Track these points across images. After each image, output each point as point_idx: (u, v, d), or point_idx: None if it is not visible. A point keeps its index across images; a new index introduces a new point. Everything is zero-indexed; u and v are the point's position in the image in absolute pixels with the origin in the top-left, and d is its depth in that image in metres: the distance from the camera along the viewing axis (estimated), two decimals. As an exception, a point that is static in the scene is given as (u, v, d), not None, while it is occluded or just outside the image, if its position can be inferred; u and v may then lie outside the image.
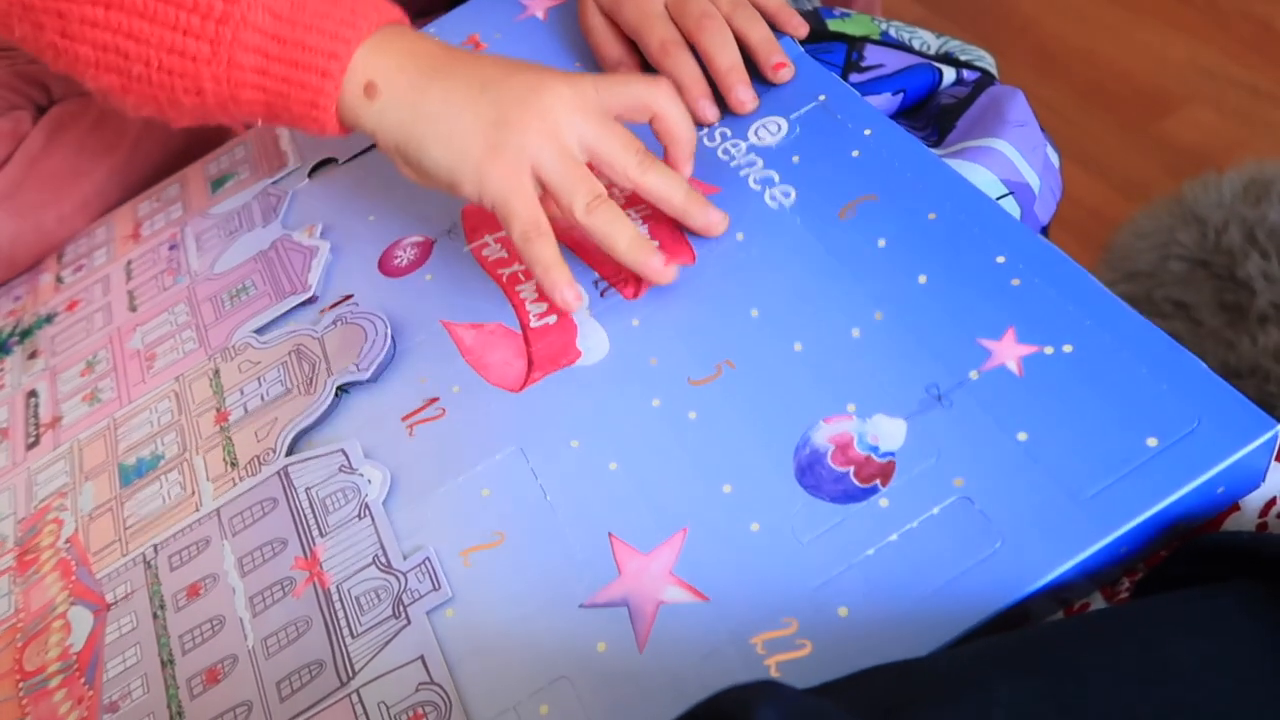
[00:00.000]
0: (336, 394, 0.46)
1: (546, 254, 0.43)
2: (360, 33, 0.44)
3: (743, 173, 0.48)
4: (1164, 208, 1.04)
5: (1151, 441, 0.33)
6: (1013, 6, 1.40)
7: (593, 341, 0.44)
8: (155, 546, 0.45)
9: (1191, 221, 1.00)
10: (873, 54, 0.55)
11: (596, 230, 0.43)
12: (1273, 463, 0.35)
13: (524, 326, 0.45)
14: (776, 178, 0.47)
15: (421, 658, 0.37)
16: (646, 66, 0.52)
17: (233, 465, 0.46)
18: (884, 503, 0.35)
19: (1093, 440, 0.34)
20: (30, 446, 0.52)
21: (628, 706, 0.34)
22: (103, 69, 0.45)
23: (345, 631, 0.39)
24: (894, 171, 0.45)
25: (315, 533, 0.42)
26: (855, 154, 0.46)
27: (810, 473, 0.37)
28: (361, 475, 0.43)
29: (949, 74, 0.54)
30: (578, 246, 0.47)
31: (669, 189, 0.45)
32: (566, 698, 0.35)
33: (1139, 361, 0.35)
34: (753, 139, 0.49)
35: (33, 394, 0.55)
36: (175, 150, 0.67)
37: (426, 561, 0.39)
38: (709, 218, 0.45)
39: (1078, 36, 1.34)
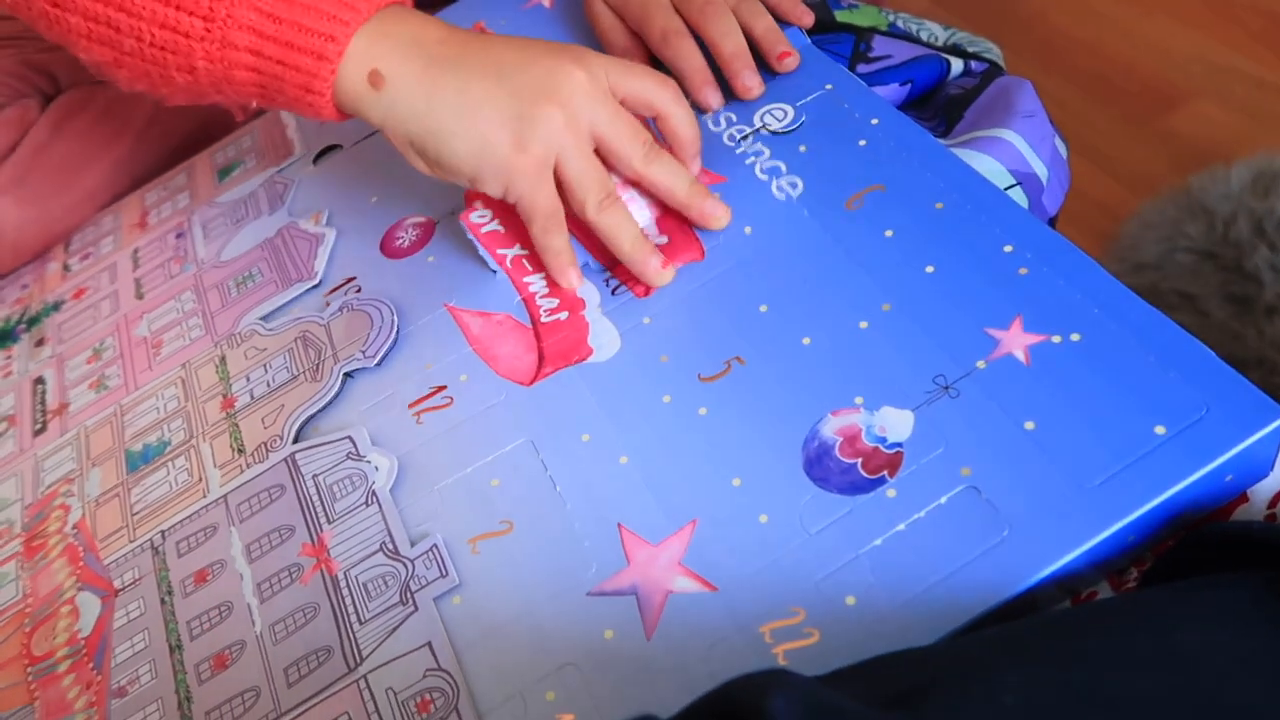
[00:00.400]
0: (343, 380, 0.47)
1: (560, 242, 0.45)
2: (360, 14, 0.43)
3: (749, 161, 0.48)
4: (1171, 199, 1.04)
5: (1159, 430, 0.33)
6: (1019, -1, 1.39)
7: (604, 339, 0.44)
8: (163, 533, 0.45)
9: (1199, 213, 1.00)
10: (880, 45, 0.54)
11: (604, 227, 0.44)
12: (1280, 454, 0.35)
13: (534, 321, 0.45)
14: (784, 168, 0.47)
15: (429, 644, 0.37)
16: (654, 56, 0.52)
17: (240, 452, 0.46)
18: (892, 493, 0.35)
19: (1100, 429, 0.34)
20: (37, 433, 0.52)
21: (634, 693, 0.34)
22: (94, 41, 0.44)
23: (353, 618, 0.39)
24: (901, 162, 0.45)
25: (323, 519, 0.42)
26: (862, 144, 0.46)
27: (818, 465, 0.37)
28: (369, 462, 0.43)
29: (957, 65, 0.54)
30: (579, 231, 0.47)
31: (673, 181, 0.45)
32: (573, 684, 0.35)
33: (1147, 350, 0.35)
34: (759, 124, 0.49)
35: (40, 381, 0.55)
36: (182, 139, 0.67)
37: (434, 549, 0.39)
38: (712, 210, 0.45)
39: (1084, 29, 1.33)
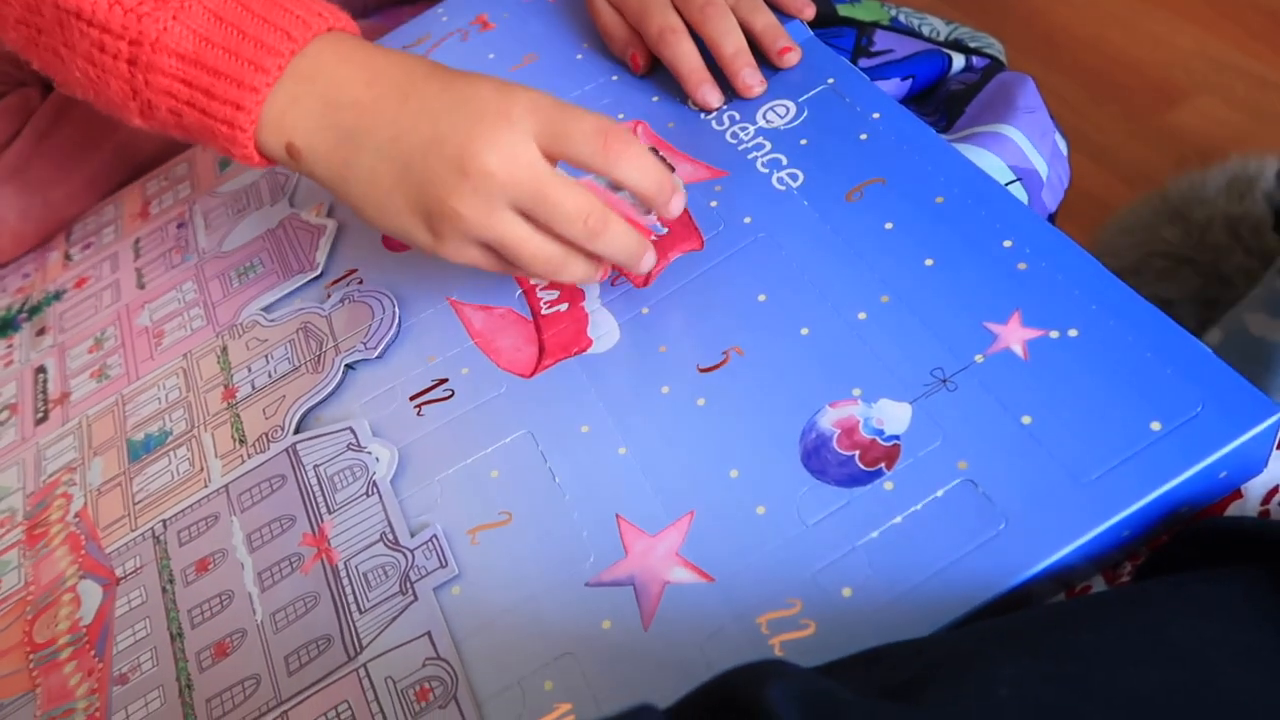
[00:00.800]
0: (344, 371, 0.47)
1: (566, 277, 0.43)
2: (269, 74, 0.40)
3: (750, 156, 0.48)
4: (1147, 203, 1.04)
5: (1155, 425, 0.34)
6: (1021, -6, 1.39)
7: (603, 330, 0.44)
8: (164, 522, 0.45)
9: (1175, 218, 1.00)
10: (882, 39, 0.55)
11: (569, 281, 0.43)
12: (1275, 451, 0.35)
13: (535, 313, 0.46)
14: (784, 160, 0.47)
15: (428, 633, 0.37)
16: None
17: (241, 442, 0.46)
18: (889, 486, 0.36)
19: (1096, 424, 0.34)
20: (39, 422, 0.53)
21: (632, 682, 0.34)
22: (47, 69, 0.44)
23: (353, 607, 0.39)
24: (902, 155, 0.45)
25: (323, 509, 0.42)
26: (863, 137, 0.46)
27: (816, 457, 0.37)
28: (369, 453, 0.43)
29: (958, 60, 0.54)
30: None
31: (622, 254, 0.42)
32: (571, 673, 0.35)
33: (1144, 346, 0.36)
34: (761, 122, 0.49)
35: (41, 370, 0.55)
36: (183, 129, 0.67)
37: (434, 539, 0.40)
38: (648, 270, 0.44)
39: (1085, 25, 1.33)
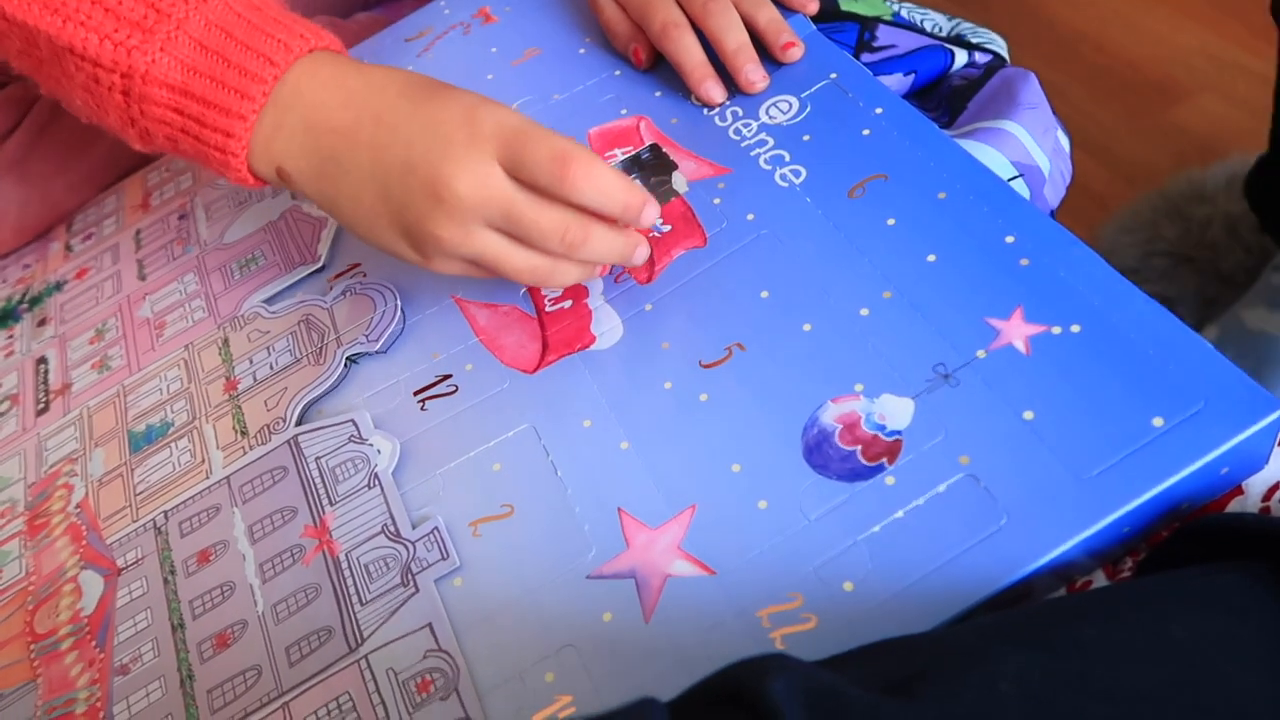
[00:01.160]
0: (346, 364, 0.47)
1: (558, 281, 0.43)
2: (255, 102, 0.41)
3: (754, 152, 0.48)
4: (1147, 202, 1.04)
5: (1157, 421, 0.34)
6: (1023, -9, 1.39)
7: (607, 326, 0.44)
8: (166, 513, 0.45)
9: (1175, 216, 1.00)
10: (885, 34, 0.55)
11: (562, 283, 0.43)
12: (1277, 448, 0.35)
13: (539, 310, 0.46)
14: (787, 156, 0.47)
15: (429, 625, 0.37)
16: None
17: (243, 434, 0.46)
18: (890, 480, 0.36)
19: (1098, 420, 0.34)
20: (40, 413, 0.53)
21: (632, 674, 0.34)
22: (53, 95, 0.46)
23: (354, 599, 0.39)
24: (904, 151, 0.45)
25: (325, 501, 0.42)
26: (866, 133, 0.46)
27: (818, 452, 0.37)
28: (371, 445, 0.43)
29: (960, 56, 0.54)
30: None
31: (610, 257, 0.42)
32: (572, 665, 0.35)
33: (1146, 342, 0.36)
34: (764, 118, 0.49)
35: (42, 361, 0.55)
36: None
37: (435, 531, 0.40)
38: (638, 261, 0.43)
39: (1087, 22, 1.33)
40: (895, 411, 0.37)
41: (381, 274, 0.50)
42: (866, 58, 0.53)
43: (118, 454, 0.48)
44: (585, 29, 0.57)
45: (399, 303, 0.48)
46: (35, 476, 0.49)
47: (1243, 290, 0.91)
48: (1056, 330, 0.37)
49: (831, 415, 0.38)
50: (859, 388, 0.38)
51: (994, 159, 0.48)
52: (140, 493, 0.46)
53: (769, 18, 0.50)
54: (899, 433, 0.37)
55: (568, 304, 0.45)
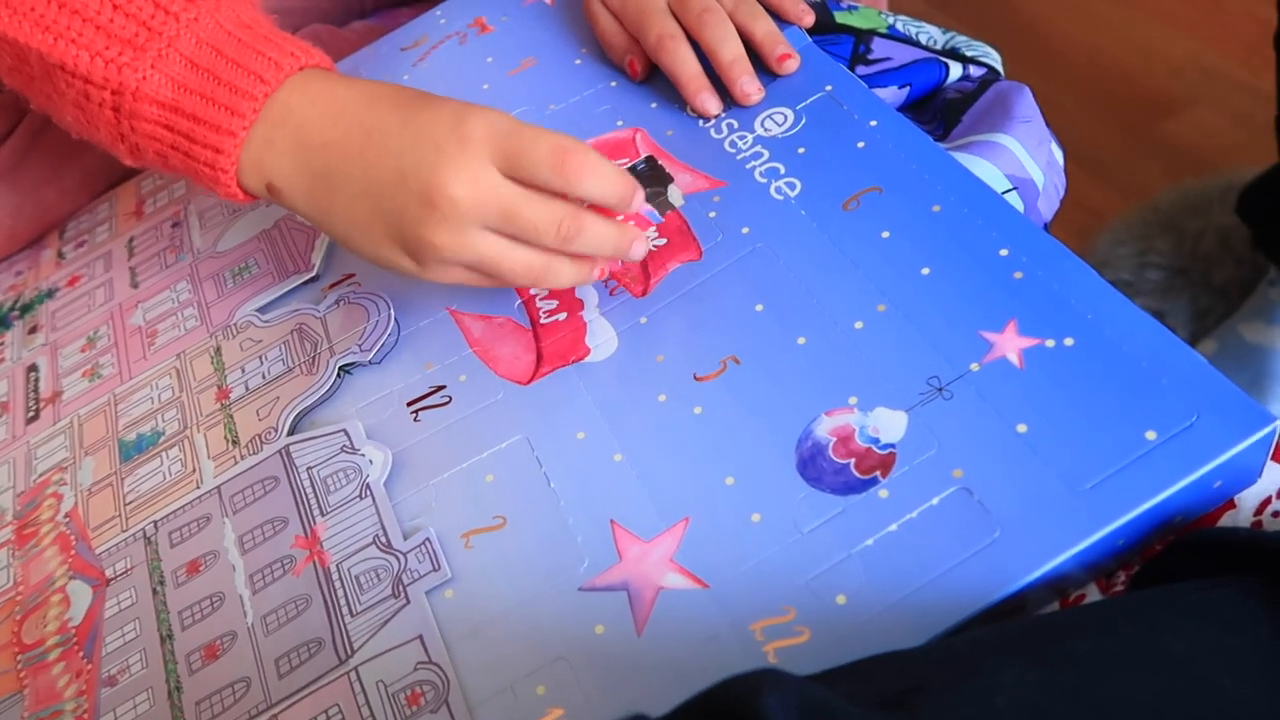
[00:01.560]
0: (339, 374, 0.47)
1: (553, 282, 0.43)
2: (245, 119, 0.42)
3: (749, 165, 0.48)
4: (1140, 214, 1.05)
5: (1150, 435, 0.34)
6: (1017, 3, 1.40)
7: (602, 339, 0.44)
8: (155, 523, 0.45)
9: (1168, 229, 1.01)
10: (880, 47, 0.55)
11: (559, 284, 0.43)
12: (1269, 462, 0.35)
13: (534, 322, 0.46)
14: (782, 169, 0.47)
15: (420, 637, 0.37)
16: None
17: (234, 443, 0.46)
18: (884, 494, 0.36)
19: (1092, 433, 0.34)
20: (30, 421, 0.52)
21: (625, 688, 0.34)
22: (45, 110, 0.46)
23: (344, 610, 0.39)
24: (899, 164, 0.45)
25: (316, 512, 0.42)
26: (861, 145, 0.46)
27: (812, 465, 0.37)
28: (363, 455, 0.43)
29: (955, 69, 0.55)
30: None
31: (605, 249, 0.42)
32: (564, 678, 0.35)
33: (1139, 355, 0.36)
34: (760, 130, 0.49)
35: (33, 368, 0.55)
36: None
37: (427, 542, 0.40)
38: (636, 256, 0.44)
39: (1081, 35, 1.34)
40: (889, 424, 0.37)
41: (375, 284, 0.50)
42: (862, 70, 0.53)
43: (108, 463, 0.48)
44: (581, 40, 0.57)
45: (393, 313, 0.48)
46: (24, 485, 0.49)
47: (1236, 303, 0.92)
48: (1050, 343, 0.37)
49: (826, 428, 0.38)
50: (853, 401, 0.38)
51: (988, 172, 0.48)
52: (130, 502, 0.46)
53: (765, 30, 0.50)
54: (893, 446, 0.36)
55: (563, 316, 0.45)
